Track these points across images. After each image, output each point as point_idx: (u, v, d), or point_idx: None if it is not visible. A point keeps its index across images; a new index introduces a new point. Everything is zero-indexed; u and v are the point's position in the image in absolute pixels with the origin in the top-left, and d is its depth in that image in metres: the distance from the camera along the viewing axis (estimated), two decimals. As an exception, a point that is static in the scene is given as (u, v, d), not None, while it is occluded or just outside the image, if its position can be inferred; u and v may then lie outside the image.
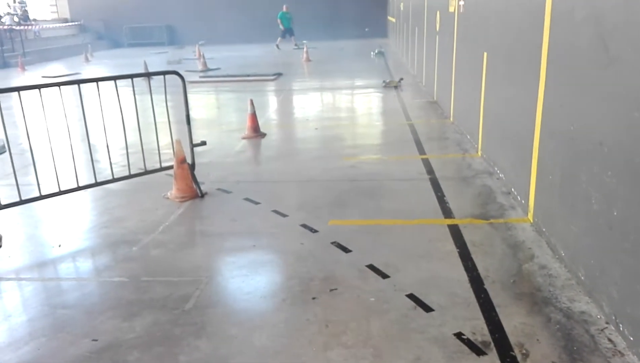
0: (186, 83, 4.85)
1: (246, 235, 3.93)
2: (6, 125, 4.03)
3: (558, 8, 3.31)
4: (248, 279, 3.28)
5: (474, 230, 3.81)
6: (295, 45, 21.71)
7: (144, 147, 4.70)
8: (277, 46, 21.76)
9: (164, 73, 4.73)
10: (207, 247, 3.80)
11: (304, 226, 4.01)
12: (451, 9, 7.18)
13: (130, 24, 26.80)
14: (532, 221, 3.84)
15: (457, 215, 4.10)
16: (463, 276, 3.16)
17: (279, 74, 13.55)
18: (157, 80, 4.92)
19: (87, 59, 19.97)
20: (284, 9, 21.94)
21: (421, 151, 6.06)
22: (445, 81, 7.77)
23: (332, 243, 3.69)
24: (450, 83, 7.30)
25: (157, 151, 4.89)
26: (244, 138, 7.00)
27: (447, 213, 4.17)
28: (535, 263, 3.28)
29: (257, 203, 4.56)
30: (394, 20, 19.94)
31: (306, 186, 5.06)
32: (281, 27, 21.97)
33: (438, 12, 8.40)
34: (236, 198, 4.73)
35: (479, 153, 5.63)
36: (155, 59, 18.51)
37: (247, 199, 4.67)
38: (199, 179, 4.86)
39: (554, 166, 3.38)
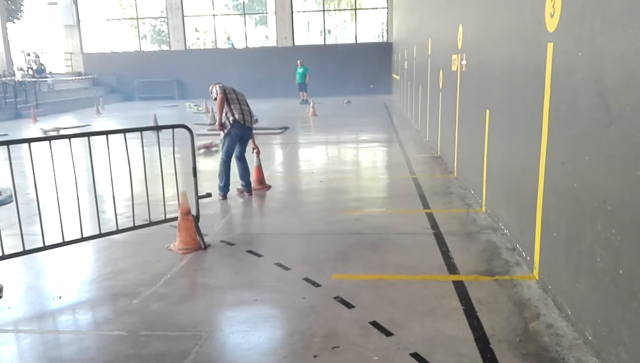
0: (194, 136, 4.94)
1: (248, 288, 3.89)
2: (15, 175, 4.09)
3: (558, 68, 3.39)
4: (248, 335, 3.21)
5: (480, 287, 3.76)
6: (302, 100, 22.17)
7: (150, 198, 4.74)
8: (302, 100, 22.14)
9: (172, 127, 4.83)
10: (207, 300, 3.75)
11: (307, 280, 3.96)
12: (454, 68, 7.36)
13: (142, 78, 27.54)
14: (537, 278, 3.79)
15: (462, 271, 4.05)
16: (469, 335, 3.09)
17: (286, 128, 13.78)
18: (166, 132, 5.02)
19: (98, 112, 20.42)
20: (298, 63, 22.50)
21: (425, 205, 6.06)
22: (448, 137, 7.87)
23: (335, 298, 3.64)
24: (453, 139, 7.39)
25: (162, 203, 4.91)
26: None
27: (451, 268, 4.13)
28: (542, 321, 3.21)
29: (260, 256, 4.54)
30: (398, 77, 20.43)
31: (310, 238, 5.04)
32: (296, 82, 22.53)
33: (441, 71, 8.61)
34: (239, 250, 4.71)
35: (483, 208, 5.62)
36: (165, 112, 18.89)
37: (250, 251, 4.64)
38: (203, 231, 4.86)
39: (558, 223, 3.37)
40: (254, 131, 6.88)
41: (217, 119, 6.54)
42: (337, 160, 9.86)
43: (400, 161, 8.86)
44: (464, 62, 6.69)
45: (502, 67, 4.87)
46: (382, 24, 28.94)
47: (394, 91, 23.70)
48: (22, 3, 26.62)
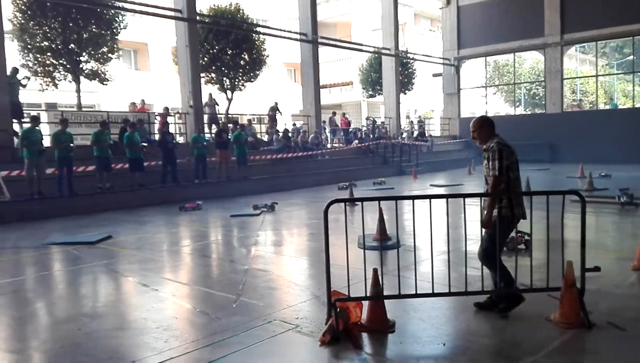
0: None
1: (647, 386, 3.33)
2: (402, 224, 4.65)
3: None
4: None
5: None
6: None
7: (528, 263, 4.65)
8: None
9: (563, 193, 4.67)
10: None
11: None
12: None
13: (513, 142, 27.63)
14: None
15: None
16: None
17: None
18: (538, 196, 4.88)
19: (469, 172, 21.49)
20: None
21: None
22: None
23: None
24: None
25: (544, 269, 4.74)
26: (634, 269, 6.12)
27: None
28: None
29: (661, 351, 3.84)
30: None
31: None
32: None
33: None
34: (632, 338, 4.10)
35: None
36: (535, 175, 18.41)
37: (646, 342, 3.99)
38: (587, 308, 4.44)
39: None
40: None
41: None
42: None
43: None
44: None
45: None
46: None
47: None
48: (414, 76, 30.70)
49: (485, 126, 4.82)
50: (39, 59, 16.88)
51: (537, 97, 39.98)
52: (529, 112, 39.07)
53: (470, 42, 29.70)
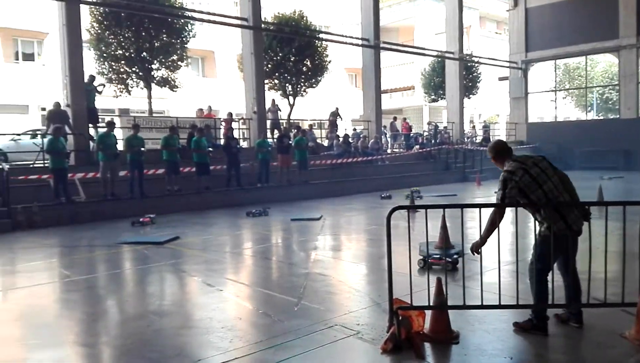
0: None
1: None
2: (465, 233, 4.53)
3: None
4: None
5: None
6: None
7: (596, 276, 4.42)
8: None
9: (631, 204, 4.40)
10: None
11: None
12: None
13: (583, 148, 26.44)
14: None
15: None
16: None
17: None
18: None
19: (535, 179, 20.67)
20: None
21: None
22: None
23: None
24: None
25: (614, 283, 4.49)
26: None
27: None
28: None
29: None
30: None
31: None
32: None
33: None
34: None
35: None
36: (608, 184, 17.49)
37: None
38: (666, 326, 4.17)
39: None
40: None
41: None
42: None
43: None
44: None
45: None
46: None
47: None
48: (479, 80, 29.94)
49: (495, 154, 4.73)
50: (114, 67, 17.82)
51: (610, 102, 37.99)
52: (602, 118, 37.13)
53: (538, 45, 28.66)
